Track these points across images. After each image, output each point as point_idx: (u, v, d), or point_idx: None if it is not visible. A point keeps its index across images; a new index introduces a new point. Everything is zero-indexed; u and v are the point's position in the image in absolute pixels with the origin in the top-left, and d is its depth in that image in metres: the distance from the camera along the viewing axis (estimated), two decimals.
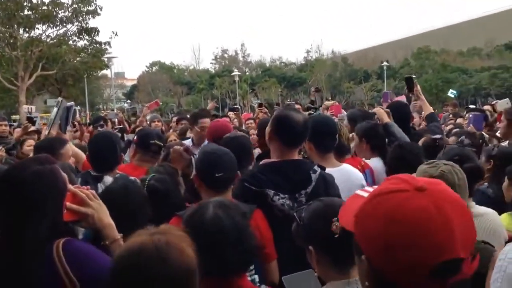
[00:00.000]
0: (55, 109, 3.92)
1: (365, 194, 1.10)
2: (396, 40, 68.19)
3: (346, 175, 2.94)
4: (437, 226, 0.89)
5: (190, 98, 59.98)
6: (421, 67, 52.01)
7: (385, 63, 48.86)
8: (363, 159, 3.49)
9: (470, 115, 5.30)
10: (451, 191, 0.98)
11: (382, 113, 3.91)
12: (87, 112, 27.50)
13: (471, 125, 4.83)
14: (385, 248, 0.90)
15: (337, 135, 3.10)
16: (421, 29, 68.08)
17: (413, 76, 5.11)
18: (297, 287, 1.84)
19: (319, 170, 2.54)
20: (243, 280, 1.73)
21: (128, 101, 64.09)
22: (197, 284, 1.26)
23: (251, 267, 2.06)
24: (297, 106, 7.33)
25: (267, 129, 2.63)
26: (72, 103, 4.23)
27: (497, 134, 4.55)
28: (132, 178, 2.70)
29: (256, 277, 2.14)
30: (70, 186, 1.86)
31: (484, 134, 4.60)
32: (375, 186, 1.14)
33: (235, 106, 10.39)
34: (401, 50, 61.90)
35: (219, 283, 1.66)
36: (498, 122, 4.99)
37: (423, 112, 5.24)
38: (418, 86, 4.60)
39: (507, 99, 5.83)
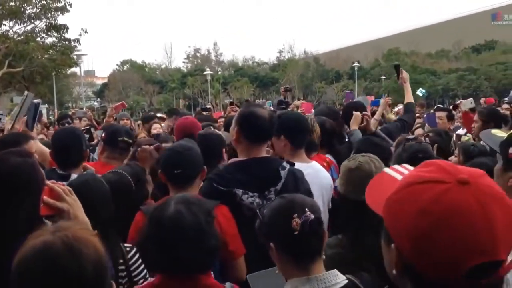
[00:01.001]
0: (20, 103, 3.82)
1: (396, 175, 1.06)
2: (367, 41, 69.20)
3: (317, 171, 2.95)
4: (480, 225, 0.81)
5: (162, 97, 59.48)
6: (391, 68, 52.96)
7: (356, 64, 49.54)
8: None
9: (424, 115, 5.46)
10: (497, 186, 0.89)
11: (355, 118, 3.90)
12: (55, 110, 26.95)
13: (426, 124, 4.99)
14: (418, 241, 0.84)
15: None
16: (392, 31, 69.29)
17: (398, 63, 5.15)
18: (262, 285, 1.83)
19: (288, 166, 2.52)
20: (208, 278, 1.72)
21: (98, 99, 63.04)
22: (110, 278, 1.20)
23: None
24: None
25: (232, 128, 2.60)
26: (39, 100, 4.13)
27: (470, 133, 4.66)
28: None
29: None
30: (47, 181, 1.86)
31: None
32: (406, 165, 1.11)
33: (207, 106, 10.34)
34: (372, 51, 62.85)
35: (184, 281, 1.64)
36: (461, 120, 5.17)
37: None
38: (405, 73, 4.64)
39: (471, 98, 6.01)
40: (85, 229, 1.21)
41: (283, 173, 2.47)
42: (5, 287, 1.68)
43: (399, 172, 1.08)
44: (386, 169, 1.11)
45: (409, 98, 4.69)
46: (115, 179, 2.71)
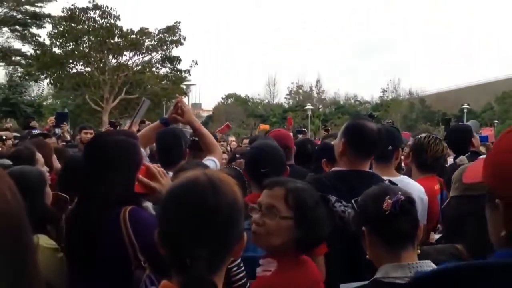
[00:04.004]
0: (138, 107, 4.16)
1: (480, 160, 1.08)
2: (479, 84, 65.68)
3: (407, 184, 2.84)
4: None
5: (263, 130, 60.70)
6: (505, 112, 49.57)
7: (466, 106, 47.01)
8: None
9: None
10: None
11: None
12: None
13: None
14: None
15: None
16: (508, 73, 65.24)
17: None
18: None
19: (387, 183, 2.46)
20: None
21: None
22: (242, 226, 1.27)
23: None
24: None
25: (338, 141, 2.57)
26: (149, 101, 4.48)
27: None
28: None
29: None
30: (145, 162, 2.00)
31: None
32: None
33: (303, 129, 10.44)
34: (484, 94, 59.41)
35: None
36: None
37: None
38: None
39: None
40: (231, 178, 1.31)
41: None
42: (101, 251, 1.80)
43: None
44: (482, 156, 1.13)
45: None
46: (233, 174, 2.81)
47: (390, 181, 2.43)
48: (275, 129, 4.57)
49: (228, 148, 7.76)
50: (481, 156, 1.16)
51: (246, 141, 7.53)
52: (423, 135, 3.48)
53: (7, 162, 3.10)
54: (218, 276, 1.23)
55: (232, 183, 1.27)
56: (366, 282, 1.71)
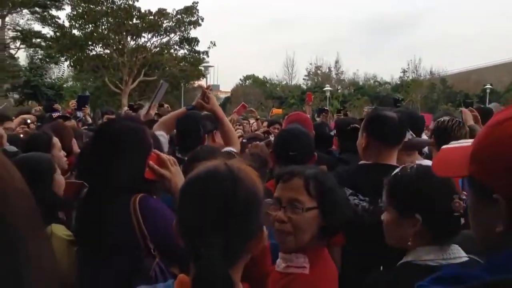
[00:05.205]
0: (156, 91, 4.20)
1: (461, 144, 1.01)
2: (502, 63, 64.16)
3: None
4: None
5: (281, 111, 60.46)
6: None
7: (488, 86, 46.08)
8: None
9: None
10: None
11: (467, 115, 3.75)
12: None
13: None
14: None
15: None
16: None
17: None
18: None
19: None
20: None
21: None
22: (261, 218, 1.25)
23: None
24: None
25: (360, 136, 2.57)
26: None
27: None
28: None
29: None
30: (154, 150, 1.99)
31: None
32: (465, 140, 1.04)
33: (325, 108, 10.32)
34: (507, 74, 58.04)
35: None
36: None
37: None
38: None
39: None
40: (251, 169, 1.29)
41: None
42: (110, 238, 1.81)
43: (462, 143, 1.03)
44: (444, 146, 1.07)
45: None
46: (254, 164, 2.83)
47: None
48: (294, 113, 4.53)
49: (248, 130, 7.73)
50: (452, 144, 1.07)
51: (266, 123, 7.50)
52: (446, 118, 3.43)
53: (13, 149, 3.13)
54: (235, 269, 1.21)
55: (253, 174, 1.26)
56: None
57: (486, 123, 3.08)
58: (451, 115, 4.09)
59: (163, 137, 3.54)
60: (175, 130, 3.47)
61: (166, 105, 10.47)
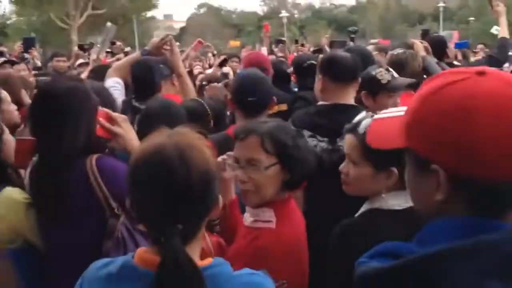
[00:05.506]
0: (103, 35, 4.02)
1: (395, 113, 1.00)
2: None
3: None
4: None
5: (239, 40, 59.45)
6: (479, 8, 48.95)
7: (441, 4, 46.29)
8: None
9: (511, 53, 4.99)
10: (508, 72, 0.87)
11: (419, 46, 3.79)
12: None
13: None
14: (468, 143, 0.78)
15: None
16: None
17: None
18: None
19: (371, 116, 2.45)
20: None
21: (178, 43, 64.02)
22: (216, 190, 1.21)
23: None
24: None
25: (316, 80, 2.64)
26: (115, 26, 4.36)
27: None
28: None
29: None
30: (102, 108, 1.93)
31: None
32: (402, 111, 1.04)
33: (282, 39, 10.21)
34: None
35: None
36: None
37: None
38: (501, 5, 4.28)
39: None
40: (200, 138, 1.21)
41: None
42: (72, 202, 1.79)
43: (396, 111, 1.04)
44: (377, 116, 1.09)
45: (503, 32, 4.34)
46: (195, 106, 2.79)
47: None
48: (253, 53, 4.46)
49: (207, 66, 7.62)
50: (385, 113, 1.06)
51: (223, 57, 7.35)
52: (400, 50, 3.45)
53: None
54: (196, 242, 1.20)
55: (203, 147, 1.19)
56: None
57: (437, 53, 3.13)
58: (406, 45, 4.13)
59: (119, 84, 3.44)
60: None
61: (118, 43, 10.07)
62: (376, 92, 2.71)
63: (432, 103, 0.83)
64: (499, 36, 4.46)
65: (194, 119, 2.71)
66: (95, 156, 1.85)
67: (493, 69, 0.88)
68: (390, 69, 2.80)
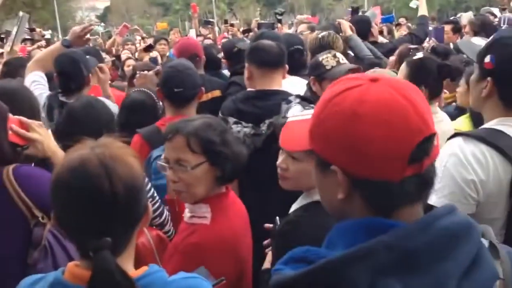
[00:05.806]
0: (16, 25, 3.83)
1: (304, 116, 1.08)
2: None
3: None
4: (407, 107, 0.84)
5: (167, 19, 57.98)
6: None
7: None
8: None
9: (431, 28, 5.29)
10: (400, 79, 0.92)
11: (345, 25, 3.93)
12: (60, 36, 26.51)
13: (433, 38, 4.85)
14: (356, 144, 0.84)
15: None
16: None
17: None
18: None
19: (294, 101, 2.40)
20: None
21: (102, 24, 61.50)
22: (144, 199, 1.20)
23: None
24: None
25: (245, 70, 2.71)
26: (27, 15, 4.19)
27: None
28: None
29: None
30: (13, 116, 1.83)
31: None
32: (308, 111, 1.08)
33: (210, 20, 10.15)
34: None
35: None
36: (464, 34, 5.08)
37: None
38: None
39: (471, 12, 5.78)
40: (125, 148, 1.19)
41: (284, 107, 2.38)
42: None
43: (304, 114, 1.10)
44: (291, 118, 1.14)
45: (422, 10, 4.55)
46: (144, 98, 2.77)
47: (299, 96, 2.49)
48: (183, 39, 4.42)
49: (135, 49, 7.43)
50: (297, 116, 1.13)
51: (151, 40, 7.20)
52: (324, 33, 3.54)
53: None
54: (128, 252, 1.18)
55: (127, 157, 1.16)
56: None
57: (362, 33, 3.25)
58: (333, 26, 4.24)
59: (42, 78, 3.29)
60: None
61: (38, 30, 9.59)
62: (322, 78, 2.73)
63: (329, 107, 0.89)
64: (418, 14, 4.68)
65: (143, 111, 2.71)
66: (11, 166, 1.76)
67: (387, 76, 0.94)
68: (338, 55, 2.81)
